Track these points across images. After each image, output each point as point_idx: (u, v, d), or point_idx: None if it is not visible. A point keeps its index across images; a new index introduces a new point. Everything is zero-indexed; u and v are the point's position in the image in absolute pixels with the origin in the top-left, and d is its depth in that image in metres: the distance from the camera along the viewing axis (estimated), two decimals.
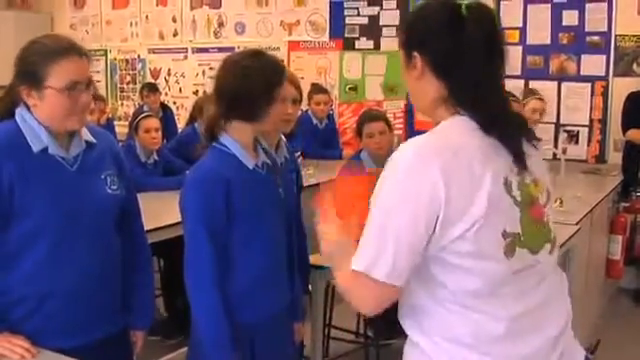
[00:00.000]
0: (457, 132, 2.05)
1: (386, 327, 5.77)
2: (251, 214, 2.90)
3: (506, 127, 2.07)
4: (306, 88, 9.15)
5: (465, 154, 1.98)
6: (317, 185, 6.79)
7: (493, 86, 2.14)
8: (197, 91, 10.64)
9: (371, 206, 2.05)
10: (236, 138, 2.92)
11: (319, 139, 8.56)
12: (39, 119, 2.70)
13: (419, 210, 1.95)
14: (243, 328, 2.86)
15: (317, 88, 8.92)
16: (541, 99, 7.19)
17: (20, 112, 2.72)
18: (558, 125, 8.32)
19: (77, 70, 2.69)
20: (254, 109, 2.89)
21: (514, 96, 6.89)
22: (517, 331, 2.07)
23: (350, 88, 9.67)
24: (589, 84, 8.20)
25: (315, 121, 8.68)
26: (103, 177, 2.84)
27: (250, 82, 2.88)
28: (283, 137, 3.62)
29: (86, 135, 2.83)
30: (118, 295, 2.97)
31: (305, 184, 6.19)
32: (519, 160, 2.05)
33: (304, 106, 8.86)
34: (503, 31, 2.20)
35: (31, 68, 2.66)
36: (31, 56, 2.69)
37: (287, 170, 3.49)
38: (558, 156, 6.86)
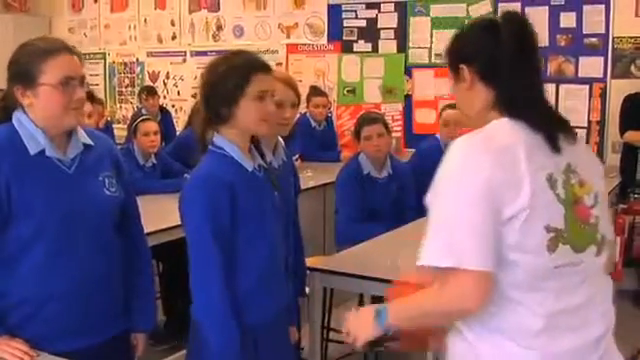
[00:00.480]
0: (503, 130, 2.17)
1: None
2: (253, 216, 2.88)
3: (549, 126, 2.18)
4: (304, 91, 9.16)
5: (512, 149, 2.10)
6: (315, 188, 6.82)
7: (535, 86, 2.26)
8: (196, 94, 10.54)
9: (432, 205, 2.14)
10: (231, 140, 2.90)
11: (317, 142, 8.57)
12: (35, 119, 2.71)
13: (479, 197, 2.04)
14: (247, 330, 2.85)
15: (316, 91, 8.94)
16: None
17: (17, 115, 2.74)
18: None
19: (70, 66, 2.71)
20: (221, 111, 2.86)
21: None
22: (556, 328, 2.12)
23: (348, 91, 9.67)
24: (587, 86, 8.21)
25: (314, 124, 8.70)
26: (101, 179, 2.84)
27: (217, 82, 2.88)
28: (281, 140, 3.62)
29: (83, 137, 2.84)
30: (119, 298, 2.96)
31: (303, 187, 6.22)
32: (561, 158, 2.16)
33: (303, 109, 8.89)
34: (535, 34, 2.30)
35: (24, 68, 2.69)
36: (23, 57, 2.72)
37: (285, 173, 3.49)
38: None
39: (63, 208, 2.70)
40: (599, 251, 2.21)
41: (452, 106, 6.52)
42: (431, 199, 2.16)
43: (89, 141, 2.86)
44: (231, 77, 2.84)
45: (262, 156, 3.06)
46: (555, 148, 2.15)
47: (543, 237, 2.07)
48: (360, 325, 2.39)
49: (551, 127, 2.18)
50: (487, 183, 2.04)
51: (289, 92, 3.51)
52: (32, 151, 2.69)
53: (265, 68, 2.93)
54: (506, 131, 2.16)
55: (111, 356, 2.90)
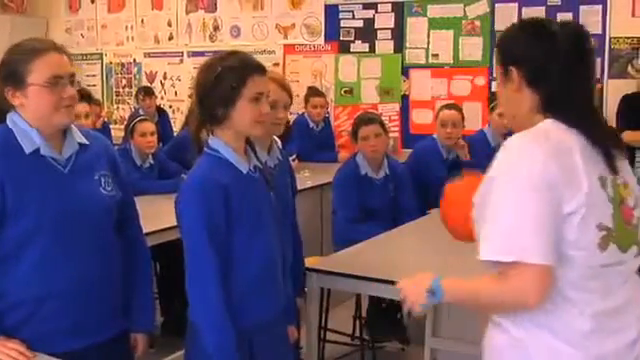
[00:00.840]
0: (556, 130, 2.20)
1: (385, 327, 5.80)
2: (249, 218, 2.88)
3: (595, 130, 2.22)
4: (302, 91, 9.19)
5: (567, 147, 2.15)
6: (313, 188, 6.82)
7: (584, 95, 2.28)
8: (193, 95, 10.60)
9: (487, 201, 2.16)
10: (226, 142, 2.89)
11: (315, 142, 8.58)
12: (28, 120, 2.72)
13: (538, 189, 2.07)
14: (242, 333, 2.84)
15: (314, 91, 8.96)
16: None
17: (11, 116, 2.75)
18: None
19: (57, 65, 2.74)
20: (216, 112, 2.85)
21: None
22: (602, 330, 2.15)
23: (345, 91, 9.67)
24: None
25: (311, 124, 8.71)
26: (96, 178, 2.86)
27: (212, 83, 2.86)
28: (277, 140, 3.63)
29: (79, 137, 2.85)
30: (118, 298, 2.97)
31: (301, 187, 6.22)
32: (609, 159, 2.20)
33: (300, 109, 8.91)
34: (593, 47, 2.34)
35: (13, 68, 2.71)
36: (12, 58, 2.75)
37: (281, 173, 3.48)
38: None
39: (58, 207, 2.71)
40: (639, 251, 2.25)
41: (449, 106, 6.54)
42: (484, 196, 2.19)
43: (84, 140, 2.87)
44: (227, 78, 2.83)
45: (257, 156, 3.06)
46: (600, 149, 2.19)
47: (595, 235, 2.11)
48: (413, 293, 2.42)
49: (606, 141, 2.22)
50: (544, 175, 2.07)
51: (282, 93, 3.52)
52: (27, 150, 2.70)
53: (260, 69, 2.92)
54: (559, 130, 2.19)
55: (110, 356, 2.90)
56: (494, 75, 8.57)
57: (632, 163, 7.14)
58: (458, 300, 2.36)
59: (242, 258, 2.87)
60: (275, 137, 3.60)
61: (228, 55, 2.95)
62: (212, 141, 2.91)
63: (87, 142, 2.88)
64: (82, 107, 5.55)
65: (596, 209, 2.11)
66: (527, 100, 2.28)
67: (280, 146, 3.68)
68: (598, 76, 8.10)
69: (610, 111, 7.81)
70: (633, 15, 7.83)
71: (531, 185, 2.07)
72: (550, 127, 2.20)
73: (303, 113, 8.87)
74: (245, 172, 2.91)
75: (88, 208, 2.79)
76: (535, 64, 2.25)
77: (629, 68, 7.95)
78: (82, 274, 2.77)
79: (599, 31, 8.07)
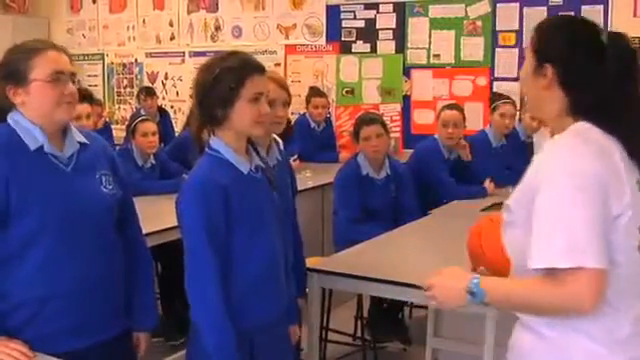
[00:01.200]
0: (595, 132, 2.17)
1: (386, 327, 5.81)
2: (250, 219, 2.87)
3: (634, 139, 2.19)
4: (303, 91, 9.20)
5: (608, 149, 2.13)
6: (314, 188, 6.83)
7: (628, 104, 2.22)
8: (192, 95, 10.60)
9: (541, 205, 2.08)
10: (227, 142, 2.89)
11: (316, 142, 8.59)
12: (30, 118, 2.73)
13: (592, 190, 2.03)
14: (242, 333, 2.84)
15: (316, 92, 8.96)
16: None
17: (12, 116, 2.76)
18: None
19: (59, 61, 2.76)
20: (215, 113, 2.85)
21: (509, 98, 6.92)
22: (638, 333, 2.13)
23: (347, 91, 9.67)
24: None
25: (313, 124, 8.72)
26: (97, 177, 2.87)
27: (211, 84, 2.86)
28: (279, 139, 3.63)
29: (78, 136, 2.87)
30: (120, 297, 2.97)
31: (302, 187, 6.22)
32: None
33: (302, 110, 8.92)
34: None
35: (14, 67, 2.73)
36: (12, 57, 2.77)
37: (281, 172, 3.48)
38: None
39: (62, 207, 2.71)
40: None
41: (451, 106, 6.53)
42: (525, 200, 2.14)
43: (84, 140, 2.88)
44: (226, 79, 2.82)
45: (260, 156, 3.06)
46: (634, 157, 2.17)
47: (635, 238, 2.09)
48: (450, 295, 2.33)
49: (631, 139, 2.19)
50: (594, 176, 2.04)
51: (281, 91, 3.52)
52: (32, 147, 2.71)
53: (259, 69, 2.91)
54: (598, 133, 2.16)
55: (113, 355, 2.90)
56: (495, 75, 8.62)
57: None
58: (499, 302, 2.29)
59: (242, 258, 2.87)
60: (276, 137, 3.60)
61: (227, 56, 2.94)
62: (213, 141, 2.91)
63: (87, 141, 2.89)
64: (84, 107, 5.53)
65: (637, 211, 2.09)
66: (556, 100, 2.24)
67: (281, 146, 3.68)
68: None
69: None
70: (635, 15, 7.83)
71: (583, 186, 2.02)
72: (588, 129, 2.17)
73: (304, 113, 8.88)
74: (246, 172, 2.91)
75: (91, 207, 2.80)
76: (575, 70, 2.21)
77: None
78: (85, 273, 2.77)
79: None
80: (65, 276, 2.73)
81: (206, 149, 2.92)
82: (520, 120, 7.03)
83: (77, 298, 2.76)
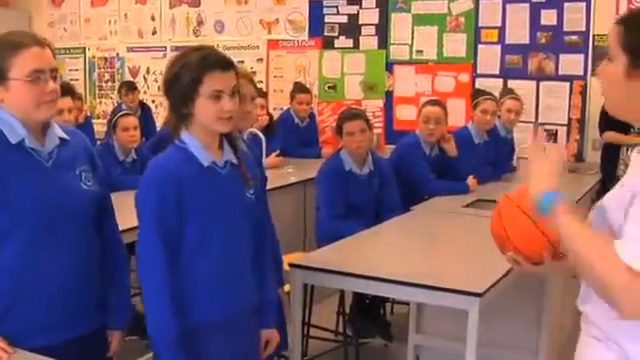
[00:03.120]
0: None
1: (368, 323, 5.81)
2: (206, 213, 2.86)
3: None
4: (285, 87, 9.20)
5: None
6: (296, 184, 6.82)
7: None
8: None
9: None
10: (196, 135, 2.88)
11: (300, 138, 8.57)
12: (11, 113, 2.70)
13: None
14: (189, 327, 2.83)
15: (300, 87, 8.93)
16: (517, 99, 7.23)
17: None
18: (537, 124, 8.35)
19: (39, 59, 2.71)
20: (180, 109, 2.86)
21: (491, 95, 6.93)
22: None
23: (329, 87, 9.67)
24: (567, 83, 8.24)
25: (297, 120, 8.69)
26: (78, 172, 2.85)
27: (170, 82, 2.86)
28: (260, 133, 3.61)
29: (59, 132, 2.85)
30: (97, 292, 2.96)
31: (284, 183, 6.21)
32: None
33: (286, 105, 8.92)
34: None
35: None
36: None
37: (248, 165, 3.46)
38: None
39: (41, 201, 2.70)
40: None
41: (433, 103, 6.53)
42: (621, 210, 2.04)
43: (64, 135, 2.86)
44: (184, 77, 2.81)
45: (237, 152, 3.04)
46: None
47: None
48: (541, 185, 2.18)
49: None
50: None
51: (247, 85, 3.51)
52: (13, 141, 2.69)
53: (220, 66, 2.86)
54: None
55: (88, 351, 2.88)
56: (478, 72, 8.63)
57: (615, 160, 7.18)
58: (571, 238, 2.07)
59: (195, 252, 2.86)
60: (257, 131, 3.58)
61: (189, 52, 2.91)
62: (183, 134, 2.91)
63: (67, 137, 2.87)
64: (66, 102, 5.50)
65: None
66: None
67: (263, 140, 3.66)
68: (582, 73, 8.14)
69: (593, 109, 7.84)
70: (617, 12, 7.82)
71: None
72: None
73: (289, 109, 8.85)
74: (206, 165, 2.89)
75: (70, 202, 2.79)
76: None
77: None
78: (63, 269, 2.76)
79: (583, 28, 8.10)
80: (42, 271, 2.71)
81: (176, 141, 2.93)
82: (499, 117, 7.05)
83: (54, 293, 2.75)
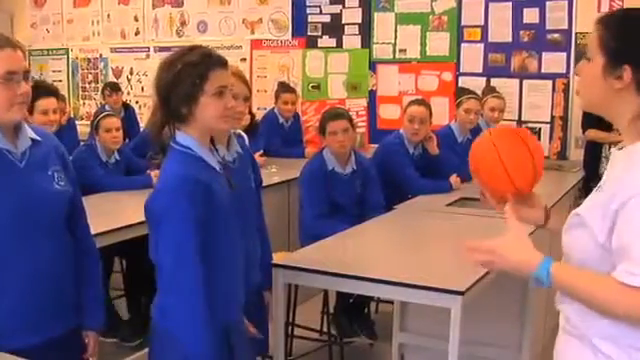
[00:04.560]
0: None
1: (352, 323, 5.81)
2: (221, 216, 2.84)
3: None
4: (269, 87, 9.20)
5: None
6: (280, 184, 6.81)
7: None
8: (154, 94, 10.53)
9: (633, 217, 1.97)
10: (194, 137, 2.85)
11: (284, 138, 8.56)
12: None
13: None
14: (220, 333, 2.83)
15: (285, 87, 8.92)
16: (499, 97, 7.25)
17: None
18: (520, 122, 8.38)
19: (11, 61, 2.70)
20: (180, 111, 2.82)
21: (474, 94, 6.95)
22: None
23: (313, 86, 9.66)
24: (550, 81, 8.27)
25: (281, 120, 8.68)
26: (50, 173, 2.85)
27: (173, 81, 2.82)
28: (243, 134, 3.61)
29: (30, 133, 2.84)
30: (71, 293, 2.95)
31: (268, 183, 6.20)
32: None
33: (270, 105, 8.91)
34: None
35: None
36: None
37: (242, 166, 3.45)
38: None
39: (16, 202, 2.70)
40: None
41: (418, 102, 6.53)
42: (599, 206, 2.05)
43: (36, 136, 2.86)
44: (188, 75, 2.79)
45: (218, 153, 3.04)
46: None
47: None
48: (510, 266, 2.22)
49: None
50: None
51: (242, 85, 3.52)
52: None
53: (221, 63, 2.88)
54: None
55: (65, 352, 2.88)
56: (461, 70, 8.64)
57: (598, 158, 7.20)
58: (567, 290, 2.13)
59: (217, 255, 2.83)
60: (240, 131, 3.58)
61: (188, 51, 2.89)
62: (180, 137, 2.86)
63: (38, 138, 2.87)
64: (51, 102, 5.51)
65: None
66: (629, 103, 2.10)
67: (246, 140, 3.66)
68: (564, 71, 8.17)
69: (576, 107, 7.87)
70: (599, 10, 7.85)
71: None
72: None
73: (273, 108, 8.83)
74: (218, 169, 2.90)
75: (44, 203, 2.78)
76: None
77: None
78: (38, 270, 2.75)
79: (565, 26, 8.12)
80: (16, 273, 2.71)
81: (172, 145, 2.86)
82: (482, 115, 7.07)
83: (29, 295, 2.74)
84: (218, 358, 2.79)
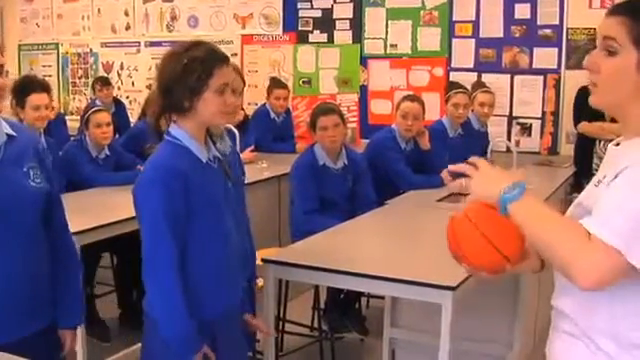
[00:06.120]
0: None
1: (343, 318, 5.81)
2: (208, 209, 2.87)
3: None
4: (260, 82, 9.18)
5: None
6: (271, 179, 6.80)
7: None
8: (150, 85, 10.50)
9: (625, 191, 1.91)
10: (189, 130, 2.89)
11: (275, 133, 8.54)
12: None
13: None
14: (203, 324, 2.84)
15: (277, 83, 8.89)
16: (488, 92, 7.25)
17: None
18: (511, 117, 8.40)
19: None
20: (182, 103, 2.85)
21: (462, 88, 6.95)
22: None
23: (304, 81, 9.65)
24: (541, 77, 8.27)
25: (273, 115, 8.65)
26: (25, 170, 2.78)
27: (179, 74, 2.84)
28: (235, 130, 3.61)
29: (6, 128, 2.79)
30: (47, 291, 2.90)
31: (258, 178, 6.19)
32: None
33: (261, 100, 8.89)
34: None
35: None
36: None
37: (233, 161, 3.47)
38: (511, 148, 6.93)
39: None
40: None
41: (411, 98, 6.52)
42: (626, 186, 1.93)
43: (11, 132, 2.80)
44: (194, 70, 2.82)
45: (217, 148, 3.05)
46: None
47: None
48: (483, 185, 2.20)
49: None
50: None
51: (238, 79, 3.52)
52: None
53: (225, 59, 2.93)
54: None
55: (40, 350, 2.83)
56: (452, 66, 8.64)
57: (589, 153, 7.20)
58: (527, 224, 2.03)
59: (200, 248, 2.86)
60: (232, 127, 3.58)
61: (193, 45, 2.92)
62: (173, 129, 2.90)
63: (14, 133, 2.81)
64: (43, 98, 5.51)
65: None
66: None
67: (237, 136, 3.66)
68: (555, 67, 8.17)
69: (567, 102, 7.88)
70: (590, 6, 7.87)
71: None
72: None
73: (264, 104, 8.81)
74: (204, 161, 2.91)
75: (18, 201, 2.72)
76: None
77: (586, 59, 7.98)
78: (14, 267, 2.71)
79: (556, 22, 8.12)
80: None
81: (165, 136, 2.91)
82: (472, 110, 7.07)
83: (5, 293, 2.69)
84: (199, 343, 2.83)
